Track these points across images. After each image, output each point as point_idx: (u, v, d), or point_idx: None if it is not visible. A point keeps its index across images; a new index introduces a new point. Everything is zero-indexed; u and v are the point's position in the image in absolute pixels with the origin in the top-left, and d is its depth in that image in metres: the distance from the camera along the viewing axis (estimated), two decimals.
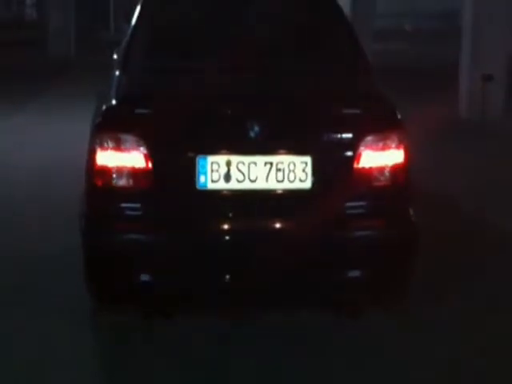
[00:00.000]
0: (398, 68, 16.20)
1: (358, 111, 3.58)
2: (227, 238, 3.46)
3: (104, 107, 3.51)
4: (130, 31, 4.24)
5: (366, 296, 3.64)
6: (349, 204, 3.50)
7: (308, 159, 3.39)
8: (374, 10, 17.80)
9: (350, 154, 3.45)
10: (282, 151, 3.41)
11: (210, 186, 3.38)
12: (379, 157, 3.48)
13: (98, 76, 16.14)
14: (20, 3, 30.05)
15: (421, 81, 14.13)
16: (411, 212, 3.60)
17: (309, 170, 3.40)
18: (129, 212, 3.46)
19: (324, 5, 4.42)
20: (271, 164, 3.38)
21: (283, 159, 3.39)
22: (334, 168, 3.46)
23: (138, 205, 3.43)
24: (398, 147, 3.52)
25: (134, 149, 3.33)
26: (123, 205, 3.44)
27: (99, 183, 3.40)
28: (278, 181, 3.40)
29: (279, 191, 3.43)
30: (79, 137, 7.92)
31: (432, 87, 13.06)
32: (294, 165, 3.39)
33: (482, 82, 9.86)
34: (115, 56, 4.60)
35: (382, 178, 3.51)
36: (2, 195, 6.34)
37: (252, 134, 3.37)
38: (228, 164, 3.36)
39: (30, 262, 4.75)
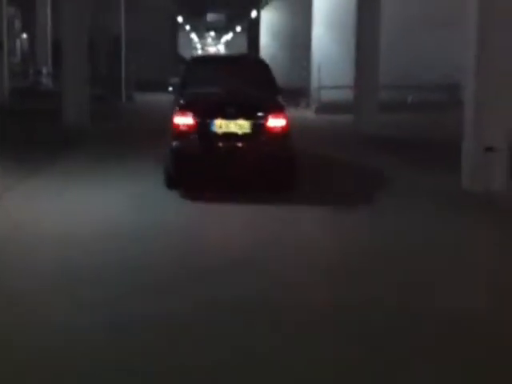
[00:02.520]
0: (402, 139, 16.27)
1: (270, 105, 9.45)
2: (221, 150, 9.11)
3: (177, 104, 9.44)
4: (181, 76, 10.64)
5: (277, 183, 9.28)
6: (264, 139, 9.13)
7: (250, 122, 9.13)
8: (378, 82, 17.96)
9: (264, 120, 9.14)
10: (241, 119, 9.11)
11: (214, 130, 9.13)
12: (276, 121, 9.18)
13: (111, 144, 16.31)
14: (37, 73, 30.49)
15: (424, 151, 14.18)
16: (291, 145, 9.28)
17: (249, 125, 9.13)
18: (187, 141, 9.08)
19: (264, 68, 10.72)
20: (236, 123, 9.09)
21: (241, 121, 9.11)
22: (259, 125, 9.13)
23: (190, 137, 9.05)
24: (284, 118, 9.27)
25: (188, 116, 9.08)
26: (185, 138, 9.08)
27: (177, 129, 9.15)
28: (239, 129, 9.10)
29: (239, 133, 9.12)
30: (99, 205, 7.90)
31: (434, 158, 13.09)
32: (245, 124, 9.12)
33: (485, 154, 9.84)
34: (170, 88, 11.38)
35: (277, 129, 9.16)
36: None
37: (230, 112, 9.13)
38: (220, 123, 9.13)
39: None
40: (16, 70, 34.83)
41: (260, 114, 9.19)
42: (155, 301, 5.28)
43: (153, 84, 32.96)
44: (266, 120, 9.11)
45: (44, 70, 30.29)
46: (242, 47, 68.80)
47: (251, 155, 9.09)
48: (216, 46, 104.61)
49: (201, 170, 9.23)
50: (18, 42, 48.42)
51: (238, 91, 9.77)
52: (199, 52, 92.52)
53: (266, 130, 9.10)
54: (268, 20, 39.67)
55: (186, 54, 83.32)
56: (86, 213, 8.21)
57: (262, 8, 39.39)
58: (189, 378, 4.13)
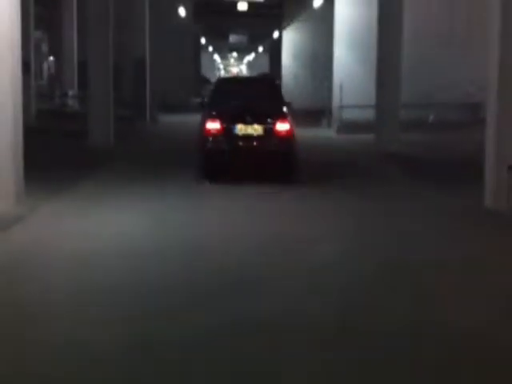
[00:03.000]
0: (424, 157, 16.20)
1: (277, 114, 12.37)
2: (240, 148, 12.11)
3: (207, 114, 12.49)
4: (210, 94, 13.65)
5: (285, 173, 12.19)
6: (273, 139, 12.09)
7: (262, 126, 12.16)
8: (399, 101, 17.93)
9: (273, 125, 12.15)
10: (256, 124, 12.14)
11: (237, 132, 12.16)
12: (282, 126, 12.17)
13: (135, 165, 16.39)
14: (63, 95, 30.81)
15: (446, 170, 14.10)
16: (294, 144, 12.38)
17: (262, 129, 12.15)
18: (216, 141, 12.06)
19: (274, 86, 14.31)
20: (253, 127, 12.12)
21: (256, 126, 12.13)
22: (269, 129, 12.12)
23: (217, 138, 12.02)
24: (287, 124, 12.23)
25: (216, 122, 12.08)
26: (214, 139, 12.05)
27: (209, 137, 12.10)
28: (254, 132, 12.13)
29: (255, 134, 12.12)
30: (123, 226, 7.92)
31: (457, 176, 13.01)
32: (259, 128, 12.13)
33: (508, 173, 9.76)
34: (202, 102, 15.42)
35: (283, 132, 12.14)
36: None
37: (248, 119, 12.14)
38: (241, 127, 12.14)
39: None
40: (43, 91, 35.24)
41: (270, 120, 12.30)
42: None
43: (176, 105, 33.20)
44: (274, 125, 12.23)
45: (70, 92, 30.60)
46: (264, 67, 69.10)
47: (263, 150, 12.19)
48: (238, 66, 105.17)
49: (226, 162, 12.41)
50: (44, 65, 49.04)
51: (253, 104, 12.70)
52: (222, 72, 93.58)
53: (274, 132, 12.22)
54: (290, 40, 39.79)
55: (209, 74, 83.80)
56: (110, 232, 8.24)
57: (284, 29, 39.55)
58: None
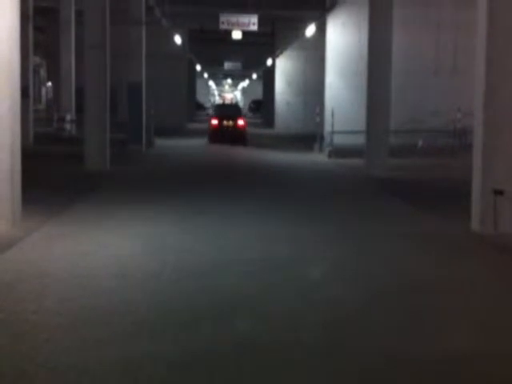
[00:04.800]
0: (411, 182, 16.24)
1: (239, 117, 28.72)
2: (224, 130, 27.96)
3: (211, 117, 29.23)
4: (213, 109, 36.23)
5: (241, 141, 27.67)
6: (237, 127, 28.06)
7: (233, 122, 28.11)
8: (388, 127, 18.03)
9: (237, 121, 28.16)
10: (231, 121, 28.12)
11: (223, 123, 28.08)
12: (241, 122, 28.34)
13: (129, 188, 16.36)
14: (60, 120, 30.82)
15: (433, 194, 14.14)
16: (246, 129, 28.84)
17: (233, 123, 28.16)
18: (214, 127, 27.92)
19: (239, 107, 35.07)
20: (229, 122, 28.11)
21: (231, 122, 28.12)
22: (235, 123, 28.10)
23: (215, 126, 27.90)
24: (244, 121, 28.77)
25: (215, 119, 28.10)
26: (213, 126, 27.99)
27: (212, 125, 28.06)
28: (230, 124, 28.09)
29: (230, 125, 28.12)
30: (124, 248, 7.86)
31: (445, 201, 13.04)
32: (231, 122, 28.13)
33: (494, 197, 9.80)
34: (208, 113, 45.74)
35: (241, 125, 28.29)
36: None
37: (227, 118, 28.15)
38: (224, 122, 28.04)
39: None
40: (41, 116, 35.29)
41: (235, 119, 27.61)
42: None
43: (171, 129, 33.27)
44: (237, 121, 27.55)
45: (68, 117, 30.62)
46: (258, 93, 69.37)
47: (233, 131, 27.33)
48: (233, 92, 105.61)
49: (218, 137, 27.00)
50: (43, 90, 49.16)
51: (230, 113, 28.68)
52: (217, 98, 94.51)
53: (237, 124, 27.58)
54: (282, 67, 40.04)
55: (204, 100, 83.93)
56: (103, 254, 8.20)
57: (277, 56, 39.79)
58: None
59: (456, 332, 5.70)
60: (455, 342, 5.47)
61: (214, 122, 27.58)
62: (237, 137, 26.92)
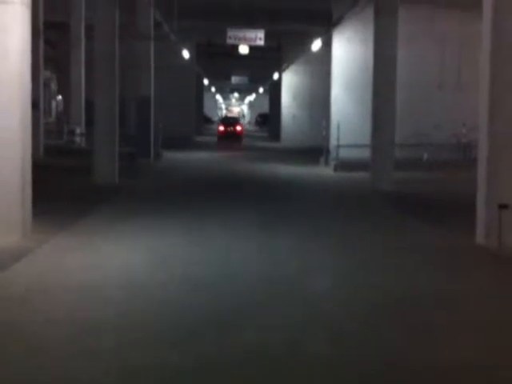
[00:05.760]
0: (416, 196, 16.22)
1: (238, 124, 46.44)
2: (227, 133, 43.87)
3: (219, 124, 46.87)
4: (220, 119, 55.70)
5: (239, 140, 43.37)
6: (236, 131, 44.36)
7: (234, 127, 44.91)
8: (393, 141, 18.01)
9: (236, 126, 45.10)
10: (232, 127, 44.85)
11: (227, 129, 44.73)
12: (239, 128, 45.37)
13: (138, 201, 16.34)
14: (70, 133, 30.94)
15: (439, 207, 14.11)
16: (243, 133, 46.30)
17: (234, 128, 44.80)
18: (220, 132, 44.12)
19: (238, 119, 54.55)
20: (231, 127, 44.83)
21: (232, 128, 44.85)
22: (235, 128, 44.79)
23: (222, 131, 44.05)
24: (241, 127, 46.63)
25: (221, 126, 45.08)
26: (220, 131, 44.13)
27: (219, 130, 44.52)
28: (232, 129, 44.68)
29: (232, 130, 44.44)
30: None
31: (450, 214, 13.02)
32: (233, 128, 44.75)
33: (499, 211, 9.77)
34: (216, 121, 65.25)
35: (239, 129, 45.06)
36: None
37: (230, 125, 45.33)
38: (228, 127, 44.85)
39: None
40: (51, 129, 35.41)
41: (235, 126, 44.65)
42: None
43: (180, 142, 33.34)
44: (236, 126, 44.44)
45: (77, 130, 30.74)
46: (265, 107, 69.50)
47: (234, 134, 43.17)
48: (240, 106, 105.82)
49: (223, 136, 42.85)
50: (53, 103, 49.37)
51: (232, 122, 46.57)
52: (224, 112, 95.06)
53: (237, 129, 44.09)
54: (289, 82, 40.14)
55: (212, 113, 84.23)
56: (113, 266, 8.21)
57: (284, 71, 39.88)
58: None
59: (458, 342, 5.69)
60: (458, 351, 5.45)
61: (221, 127, 44.43)
62: (235, 136, 43.02)
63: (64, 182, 17.20)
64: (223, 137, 42.84)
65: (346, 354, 5.45)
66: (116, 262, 8.47)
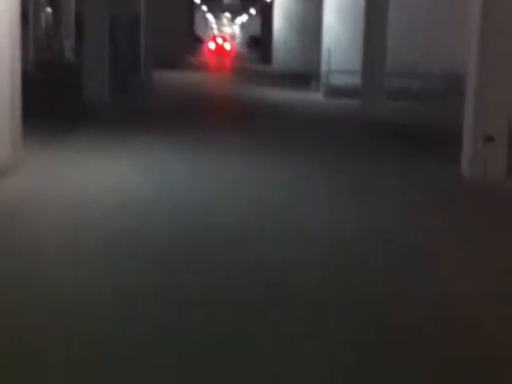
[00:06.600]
0: (406, 125, 16.22)
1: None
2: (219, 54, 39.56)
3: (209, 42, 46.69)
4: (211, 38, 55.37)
5: None
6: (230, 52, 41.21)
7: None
8: (384, 69, 17.89)
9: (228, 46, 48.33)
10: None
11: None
12: (231, 47, 49.52)
13: (128, 119, 16.20)
14: (60, 47, 30.40)
15: (425, 138, 14.15)
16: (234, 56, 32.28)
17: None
18: (213, 55, 38.28)
19: None
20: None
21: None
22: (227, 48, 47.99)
23: (213, 54, 30.58)
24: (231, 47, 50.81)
25: (212, 45, 48.27)
26: (213, 54, 36.56)
27: (210, 50, 47.36)
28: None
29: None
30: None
31: (436, 144, 13.06)
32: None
33: (484, 143, 9.82)
34: None
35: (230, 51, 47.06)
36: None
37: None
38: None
39: None
40: (40, 43, 34.74)
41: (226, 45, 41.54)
42: None
43: (170, 62, 32.87)
44: (227, 46, 39.44)
45: (67, 44, 30.20)
46: (256, 30, 68.40)
47: (226, 56, 32.64)
48: (231, 26, 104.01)
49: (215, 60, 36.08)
50: (42, 16, 48.22)
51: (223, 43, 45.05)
52: (215, 32, 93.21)
53: (227, 50, 37.30)
54: (281, 4, 39.41)
55: (202, 33, 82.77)
56: (103, 180, 8.27)
57: None
58: None
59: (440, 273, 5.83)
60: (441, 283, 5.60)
61: (212, 46, 47.64)
62: (226, 56, 42.77)
63: (53, 98, 17.02)
64: (215, 57, 43.43)
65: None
66: (105, 176, 8.52)
